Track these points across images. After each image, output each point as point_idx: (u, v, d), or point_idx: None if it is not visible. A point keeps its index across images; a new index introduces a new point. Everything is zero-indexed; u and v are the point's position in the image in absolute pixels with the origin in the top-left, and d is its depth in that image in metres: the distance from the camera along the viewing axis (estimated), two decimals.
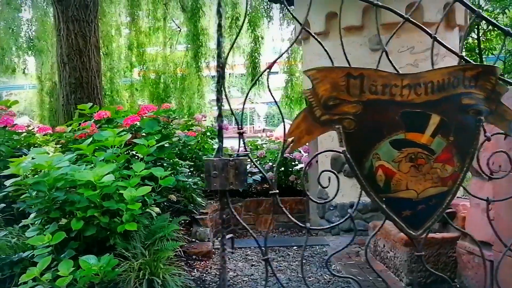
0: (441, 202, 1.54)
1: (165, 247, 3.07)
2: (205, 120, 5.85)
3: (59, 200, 2.81)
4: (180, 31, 12.44)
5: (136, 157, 3.75)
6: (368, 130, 1.47)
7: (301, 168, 6.26)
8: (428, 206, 1.53)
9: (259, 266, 4.00)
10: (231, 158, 1.38)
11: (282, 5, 10.62)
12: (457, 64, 1.59)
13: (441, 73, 1.51)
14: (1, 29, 11.88)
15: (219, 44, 1.42)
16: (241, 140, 1.47)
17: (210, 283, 3.40)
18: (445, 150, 1.52)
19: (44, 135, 4.39)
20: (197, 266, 3.68)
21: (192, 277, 3.34)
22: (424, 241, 1.60)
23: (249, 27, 10.95)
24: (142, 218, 3.09)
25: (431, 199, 1.53)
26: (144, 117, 4.16)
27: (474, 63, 1.66)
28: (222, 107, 1.43)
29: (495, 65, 1.59)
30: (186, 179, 4.26)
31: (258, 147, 7.00)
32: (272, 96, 1.85)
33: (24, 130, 4.26)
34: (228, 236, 1.41)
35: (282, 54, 1.81)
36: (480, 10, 1.94)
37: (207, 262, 3.79)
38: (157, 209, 3.28)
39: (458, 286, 3.15)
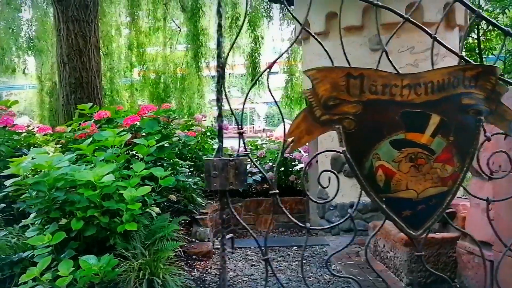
0: (441, 202, 1.54)
1: (165, 247, 3.07)
2: (205, 120, 5.86)
3: (59, 200, 2.81)
4: (180, 31, 12.45)
5: (136, 157, 3.75)
6: (368, 130, 1.47)
7: (301, 168, 6.26)
8: (428, 206, 1.53)
9: (259, 266, 4.00)
10: (231, 158, 1.38)
11: (282, 5, 10.63)
12: (457, 64, 1.59)
13: (441, 73, 1.51)
14: (1, 29, 11.88)
15: (219, 44, 1.42)
16: (241, 140, 1.47)
17: (210, 283, 3.40)
18: (445, 150, 1.52)
19: (44, 135, 4.39)
20: (197, 266, 3.68)
21: (192, 277, 3.34)
22: (424, 241, 1.60)
23: (249, 27, 10.96)
24: (142, 218, 3.09)
25: (431, 199, 1.53)
26: (144, 117, 4.16)
27: (474, 63, 1.66)
28: (222, 107, 1.43)
29: (495, 65, 1.59)
30: (186, 179, 4.26)
31: (258, 147, 7.00)
32: (272, 96, 1.85)
33: (24, 130, 4.26)
34: (228, 236, 1.41)
35: (282, 54, 1.81)
36: (480, 10, 1.94)
37: (207, 262, 3.79)
38: (157, 209, 3.28)
39: (458, 286, 3.15)
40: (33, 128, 4.59)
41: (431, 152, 1.50)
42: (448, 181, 1.54)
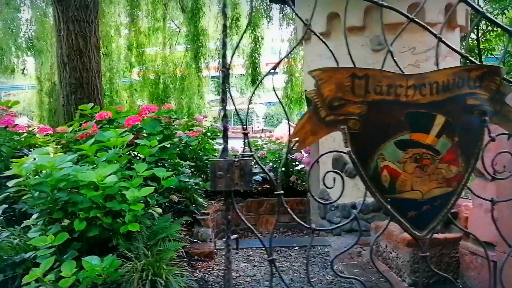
0: (446, 202, 1.54)
1: (168, 248, 3.07)
2: (206, 121, 5.86)
3: (62, 200, 2.80)
4: (179, 31, 12.46)
5: (138, 157, 3.74)
6: (373, 131, 1.47)
7: (302, 168, 6.26)
8: (433, 207, 1.53)
9: (261, 266, 3.99)
10: (236, 159, 1.38)
11: (282, 6, 10.64)
12: (459, 64, 1.59)
13: (446, 73, 1.51)
14: (0, 29, 11.87)
15: (224, 45, 1.42)
16: (246, 140, 1.47)
17: (213, 283, 3.39)
18: (450, 151, 1.52)
19: (44, 135, 4.38)
20: (199, 266, 3.68)
21: (195, 278, 3.34)
22: (428, 241, 1.60)
23: (249, 27, 10.97)
24: (144, 218, 3.08)
25: (436, 200, 1.53)
26: (146, 118, 4.15)
27: (479, 63, 1.66)
28: (226, 108, 1.43)
29: (499, 66, 1.59)
30: (188, 180, 4.26)
31: (259, 147, 7.00)
32: (277, 97, 1.86)
33: (24, 131, 4.25)
34: (233, 236, 1.41)
35: (287, 55, 1.82)
36: (485, 11, 1.94)
37: (209, 263, 3.79)
38: (159, 210, 3.28)
39: (460, 286, 3.15)
40: (33, 129, 4.58)
41: (436, 153, 1.50)
42: (453, 181, 1.54)
